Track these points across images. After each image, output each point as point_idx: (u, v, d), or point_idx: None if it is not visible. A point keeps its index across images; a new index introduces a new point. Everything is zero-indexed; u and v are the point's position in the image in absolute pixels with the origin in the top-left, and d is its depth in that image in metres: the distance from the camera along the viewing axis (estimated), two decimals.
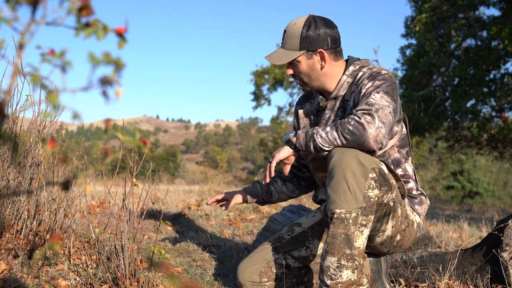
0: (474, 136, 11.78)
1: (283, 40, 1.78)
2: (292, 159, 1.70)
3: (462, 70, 10.22)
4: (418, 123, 11.31)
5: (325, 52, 1.75)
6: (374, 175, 1.50)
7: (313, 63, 1.76)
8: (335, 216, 1.49)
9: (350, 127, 1.53)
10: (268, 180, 1.71)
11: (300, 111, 2.00)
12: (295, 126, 2.02)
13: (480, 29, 10.33)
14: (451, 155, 15.52)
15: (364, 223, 1.50)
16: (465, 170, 21.04)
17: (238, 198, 2.01)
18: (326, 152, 1.59)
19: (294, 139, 1.65)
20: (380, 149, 1.56)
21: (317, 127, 1.62)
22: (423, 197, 1.84)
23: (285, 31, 1.77)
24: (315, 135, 1.59)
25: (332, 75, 1.79)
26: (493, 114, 11.63)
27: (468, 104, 10.61)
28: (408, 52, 12.24)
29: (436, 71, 11.17)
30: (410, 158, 1.83)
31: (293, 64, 1.77)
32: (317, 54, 1.76)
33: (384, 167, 1.58)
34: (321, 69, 1.77)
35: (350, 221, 1.48)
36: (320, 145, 1.57)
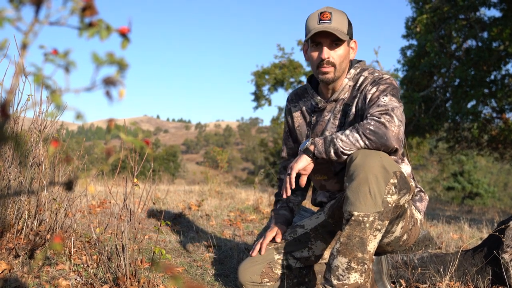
0: (474, 137, 11.78)
1: (328, 20, 1.70)
2: (310, 168, 1.65)
3: (462, 71, 10.22)
4: (419, 124, 11.31)
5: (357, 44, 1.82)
6: (395, 180, 1.49)
7: (348, 51, 1.78)
8: (352, 218, 1.47)
9: (372, 127, 1.52)
10: (289, 193, 1.66)
11: (294, 109, 1.98)
12: (289, 124, 2.00)
13: (480, 30, 10.33)
14: (452, 156, 15.51)
15: (379, 227, 1.49)
16: (466, 171, 21.03)
17: (283, 231, 1.90)
18: (346, 157, 1.56)
19: (311, 147, 1.61)
20: (400, 148, 1.57)
21: (335, 132, 1.60)
22: (422, 194, 1.88)
23: (329, 13, 1.71)
24: (335, 140, 1.56)
25: (345, 72, 1.80)
26: (494, 115, 11.62)
27: (469, 105, 10.62)
28: (408, 53, 12.26)
29: (436, 72, 11.17)
30: (405, 158, 1.85)
31: (336, 46, 1.72)
32: (355, 42, 1.81)
33: (403, 170, 1.58)
34: (350, 60, 1.80)
35: (367, 225, 1.47)
36: (342, 149, 1.55)
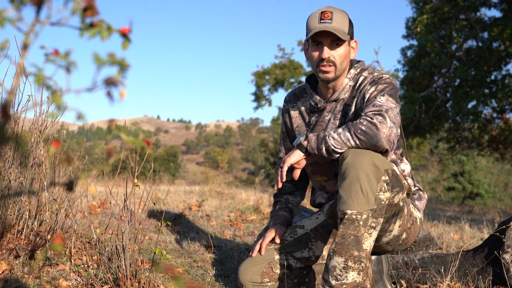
0: (475, 137, 11.78)
1: (329, 20, 1.69)
2: (303, 163, 1.68)
3: (463, 71, 10.22)
4: (419, 124, 11.31)
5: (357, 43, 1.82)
6: (387, 177, 1.50)
7: (349, 50, 1.78)
8: (346, 217, 1.48)
9: (363, 127, 1.53)
10: (280, 185, 1.70)
11: (292, 110, 1.97)
12: (288, 125, 2.00)
13: (481, 30, 10.33)
14: (452, 156, 15.51)
15: (374, 225, 1.50)
16: (466, 171, 21.03)
17: (282, 232, 1.89)
18: (338, 155, 1.57)
19: (305, 143, 1.63)
20: (391, 149, 1.57)
21: (328, 130, 1.61)
22: (421, 192, 1.88)
23: (330, 12, 1.70)
24: (327, 137, 1.58)
25: (345, 72, 1.80)
26: (494, 115, 11.62)
27: (469, 105, 10.61)
28: (409, 53, 12.26)
29: (437, 72, 11.17)
30: (404, 157, 1.86)
31: (336, 45, 1.72)
32: (356, 42, 1.81)
33: (396, 168, 1.58)
34: (350, 59, 1.80)
35: (361, 222, 1.48)
36: (333, 147, 1.56)
